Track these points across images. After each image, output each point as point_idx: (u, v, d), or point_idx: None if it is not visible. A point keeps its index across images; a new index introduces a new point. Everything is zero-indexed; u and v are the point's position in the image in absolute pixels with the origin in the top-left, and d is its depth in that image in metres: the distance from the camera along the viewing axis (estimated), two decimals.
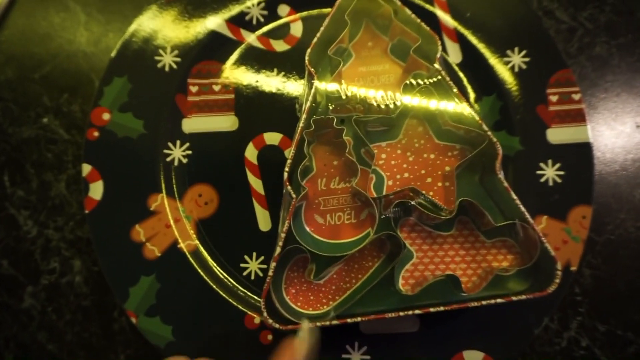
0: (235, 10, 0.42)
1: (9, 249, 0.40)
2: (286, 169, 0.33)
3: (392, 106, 0.36)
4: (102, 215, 0.39)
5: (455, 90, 0.35)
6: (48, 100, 0.42)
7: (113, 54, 0.41)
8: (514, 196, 0.33)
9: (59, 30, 0.43)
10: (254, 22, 0.42)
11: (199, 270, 0.38)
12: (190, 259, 0.38)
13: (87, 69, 0.42)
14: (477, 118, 0.34)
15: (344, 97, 0.35)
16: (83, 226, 0.40)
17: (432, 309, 0.32)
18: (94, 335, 0.39)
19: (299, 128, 0.34)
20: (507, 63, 0.41)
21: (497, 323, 0.37)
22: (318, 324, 0.32)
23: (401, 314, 0.32)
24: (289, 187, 0.33)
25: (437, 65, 0.36)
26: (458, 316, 0.37)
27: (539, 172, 0.39)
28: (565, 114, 0.40)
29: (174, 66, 0.41)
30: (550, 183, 0.39)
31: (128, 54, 0.41)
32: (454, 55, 0.42)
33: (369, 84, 0.38)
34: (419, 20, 0.36)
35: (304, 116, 0.34)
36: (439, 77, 0.36)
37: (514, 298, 0.32)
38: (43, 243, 0.40)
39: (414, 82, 0.36)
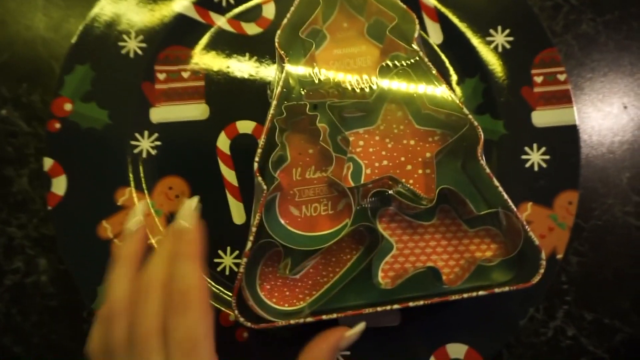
0: None
1: None
2: (256, 158, 0.31)
3: (368, 90, 0.34)
4: (66, 212, 0.37)
5: (434, 72, 0.33)
6: (6, 91, 0.40)
7: (74, 40, 0.38)
8: (497, 183, 0.31)
9: (16, 16, 0.41)
10: (224, 3, 0.40)
11: None
12: None
13: (47, 56, 0.40)
14: (458, 101, 0.33)
15: (316, 81, 0.34)
16: (48, 223, 0.38)
17: (411, 303, 0.30)
18: (62, 336, 0.37)
19: (270, 115, 0.32)
20: (490, 43, 0.40)
21: (481, 315, 0.36)
22: (292, 321, 0.30)
23: (379, 309, 0.30)
24: (259, 178, 0.31)
25: (415, 46, 0.34)
26: (440, 309, 0.36)
27: (524, 156, 0.38)
28: (551, 96, 0.39)
29: (140, 52, 0.39)
30: (536, 168, 0.37)
31: (90, 39, 0.39)
32: (435, 35, 0.40)
33: (345, 67, 0.36)
34: None
35: (274, 102, 0.32)
36: (417, 59, 0.34)
37: (497, 290, 0.30)
38: (5, 242, 0.38)
39: (391, 64, 0.34)
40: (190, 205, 0.30)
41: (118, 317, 0.26)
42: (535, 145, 0.38)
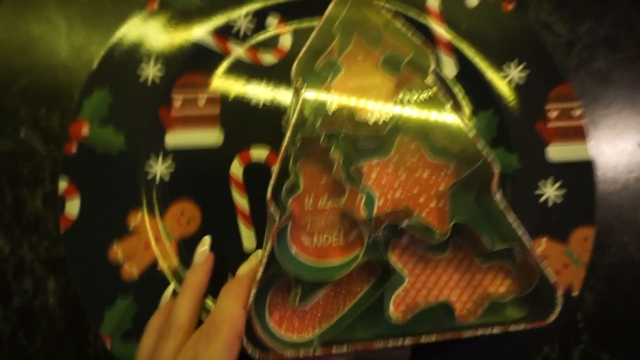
0: (221, 21, 0.40)
1: None
2: (269, 188, 0.31)
3: (381, 123, 0.34)
4: (78, 234, 0.37)
5: (449, 105, 0.33)
6: (26, 113, 0.40)
7: (94, 65, 0.39)
8: (512, 219, 0.31)
9: (39, 42, 0.41)
10: (241, 33, 0.41)
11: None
12: (171, 280, 0.37)
13: (67, 81, 0.41)
14: (473, 135, 0.32)
15: (331, 112, 0.34)
16: (58, 245, 0.38)
17: (424, 339, 0.30)
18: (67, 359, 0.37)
19: (284, 145, 0.32)
20: (504, 77, 0.40)
21: (494, 351, 0.35)
22: (301, 353, 0.30)
23: (390, 343, 0.30)
24: (272, 207, 0.31)
25: (430, 80, 0.34)
26: (451, 344, 0.35)
27: (538, 191, 0.37)
28: (566, 131, 0.38)
29: (157, 79, 0.39)
30: (550, 203, 0.37)
31: (109, 65, 0.39)
32: (449, 68, 0.41)
33: (358, 98, 0.36)
34: (410, 33, 0.35)
35: (289, 132, 0.32)
36: (433, 92, 0.34)
37: (511, 328, 0.30)
38: (16, 262, 0.38)
39: (406, 97, 0.34)
40: (252, 260, 0.34)
41: (175, 335, 0.30)
42: (550, 180, 0.38)
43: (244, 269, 0.33)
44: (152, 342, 0.31)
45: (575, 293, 0.35)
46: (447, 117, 0.34)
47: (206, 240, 0.35)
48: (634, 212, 0.39)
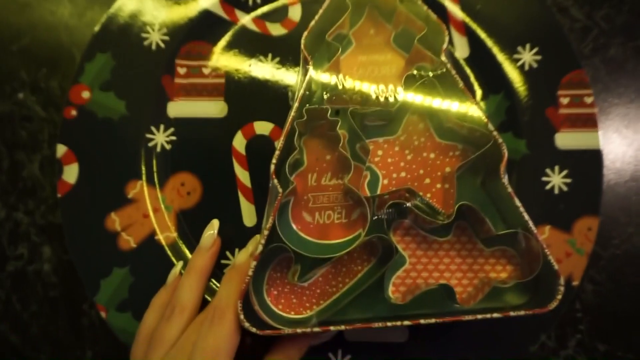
0: None
1: None
2: (273, 160, 0.31)
3: (391, 99, 0.33)
4: (75, 201, 0.36)
5: (461, 85, 0.33)
6: (25, 75, 0.39)
7: (97, 28, 0.38)
8: (518, 203, 0.31)
9: (41, 0, 0.40)
10: (250, 2, 0.40)
11: (177, 265, 0.36)
12: (168, 252, 0.36)
13: (68, 43, 0.40)
14: (484, 116, 0.32)
15: (340, 86, 0.33)
16: (55, 211, 0.38)
17: (423, 321, 0.29)
18: (60, 329, 0.37)
19: (290, 117, 0.31)
20: (516, 60, 0.39)
21: (491, 336, 0.35)
22: (298, 330, 0.29)
23: (389, 324, 0.29)
24: (275, 181, 0.30)
25: (443, 58, 0.33)
26: (449, 328, 0.35)
27: (544, 178, 0.37)
28: (576, 118, 0.38)
29: (162, 45, 0.38)
30: (556, 191, 0.37)
31: (113, 29, 0.38)
32: (461, 49, 0.40)
33: (369, 74, 0.35)
34: (426, 8, 0.34)
35: (296, 104, 0.32)
36: (444, 71, 0.33)
37: (512, 314, 0.29)
38: (11, 227, 0.37)
39: (417, 74, 0.33)
40: (249, 247, 0.33)
41: (178, 316, 0.30)
42: (557, 168, 0.37)
43: (242, 256, 0.32)
44: (155, 319, 0.31)
45: (575, 283, 0.35)
46: (458, 97, 0.33)
47: (214, 224, 0.35)
48: None
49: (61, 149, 0.36)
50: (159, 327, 0.30)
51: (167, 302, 0.32)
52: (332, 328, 0.30)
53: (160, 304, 0.32)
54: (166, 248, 0.36)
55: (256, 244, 0.31)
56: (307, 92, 0.33)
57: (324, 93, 0.33)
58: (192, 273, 0.33)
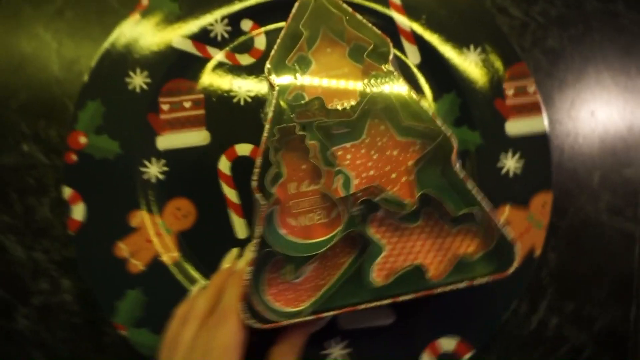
0: (199, 27, 0.44)
1: None
2: (254, 177, 0.35)
3: (350, 108, 0.37)
4: (85, 235, 0.40)
5: (409, 88, 0.37)
6: (26, 128, 0.44)
7: (85, 78, 0.42)
8: (470, 186, 0.35)
9: (32, 59, 0.45)
10: (219, 38, 0.44)
11: (183, 281, 0.40)
12: (173, 270, 0.40)
13: (60, 94, 0.44)
14: (430, 114, 0.36)
15: (303, 103, 0.37)
16: (68, 246, 0.42)
17: (401, 298, 0.34)
18: (86, 349, 0.41)
19: (264, 137, 0.36)
20: (464, 61, 0.43)
21: (468, 309, 0.39)
22: (295, 320, 0.33)
23: (371, 305, 0.33)
24: (258, 195, 0.35)
25: (390, 67, 0.37)
26: (431, 306, 0.39)
27: (499, 164, 0.41)
28: (522, 107, 0.42)
29: (145, 87, 0.43)
30: (511, 174, 0.41)
31: (99, 77, 0.42)
32: (413, 56, 0.44)
33: (330, 88, 0.40)
34: (370, 25, 0.38)
35: (267, 126, 0.36)
36: (394, 77, 0.37)
37: (475, 282, 0.33)
38: (31, 265, 0.42)
39: (371, 83, 0.38)
40: (233, 253, 0.40)
41: (193, 321, 0.34)
42: (509, 153, 0.41)
43: (241, 264, 0.38)
44: (177, 327, 0.35)
45: (537, 252, 0.39)
46: (408, 99, 0.37)
47: (234, 252, 0.40)
48: (589, 175, 0.43)
49: (67, 191, 0.40)
50: (178, 332, 0.34)
51: (187, 312, 0.35)
52: (323, 315, 0.34)
53: (181, 314, 0.36)
54: (171, 267, 0.40)
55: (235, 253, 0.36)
56: (277, 113, 0.37)
57: (292, 111, 0.37)
58: (210, 288, 0.37)
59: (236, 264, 0.39)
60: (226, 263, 0.41)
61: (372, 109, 0.38)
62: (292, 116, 0.37)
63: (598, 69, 0.46)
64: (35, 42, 0.45)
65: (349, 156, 0.39)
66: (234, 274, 0.36)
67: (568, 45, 0.46)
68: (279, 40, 0.38)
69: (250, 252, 0.36)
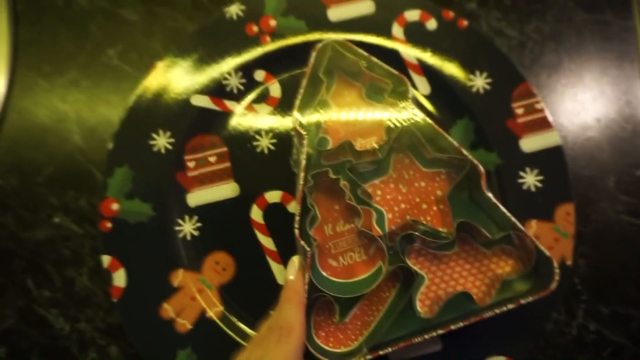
0: (215, 83, 0.45)
1: (46, 349, 0.42)
2: (296, 225, 0.36)
3: (378, 147, 0.39)
4: (129, 301, 0.41)
5: (429, 121, 0.39)
6: (55, 200, 0.44)
7: (109, 146, 0.43)
8: (504, 209, 0.36)
9: (53, 132, 0.45)
10: (235, 91, 0.45)
11: (231, 334, 0.41)
12: (221, 325, 0.41)
13: (85, 162, 0.45)
14: (456, 145, 0.38)
15: (333, 148, 0.39)
16: (112, 313, 0.42)
17: (452, 327, 0.35)
18: None
19: (299, 186, 0.37)
20: (471, 87, 0.45)
21: (511, 327, 0.40)
22: (357, 358, 0.34)
23: (426, 336, 0.35)
24: (302, 242, 0.36)
25: (410, 104, 0.39)
26: (473, 328, 0.40)
27: (520, 180, 0.43)
28: (533, 123, 0.44)
29: (169, 147, 0.44)
30: (533, 188, 0.43)
31: (123, 143, 0.43)
32: (423, 87, 0.46)
33: (352, 129, 0.41)
34: (386, 66, 0.40)
35: (302, 174, 0.37)
36: (414, 113, 0.39)
37: (522, 301, 0.35)
38: (77, 337, 0.42)
39: (394, 122, 0.39)
40: (294, 262, 0.37)
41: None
42: (528, 169, 0.43)
43: (291, 273, 0.36)
44: None
45: (569, 262, 0.41)
46: (430, 131, 0.39)
47: (295, 262, 0.37)
48: (604, 179, 0.45)
49: (106, 260, 0.41)
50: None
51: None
52: (380, 352, 0.35)
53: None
54: (218, 322, 0.41)
55: (298, 262, 0.36)
56: (307, 159, 0.38)
57: (320, 155, 0.39)
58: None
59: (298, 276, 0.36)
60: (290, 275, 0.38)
61: (396, 145, 0.40)
62: (321, 161, 0.38)
63: (596, 76, 0.48)
64: (54, 114, 0.46)
65: (379, 192, 0.40)
66: (287, 287, 0.35)
67: (565, 57, 0.48)
68: (301, 90, 0.39)
69: (295, 263, 0.37)
